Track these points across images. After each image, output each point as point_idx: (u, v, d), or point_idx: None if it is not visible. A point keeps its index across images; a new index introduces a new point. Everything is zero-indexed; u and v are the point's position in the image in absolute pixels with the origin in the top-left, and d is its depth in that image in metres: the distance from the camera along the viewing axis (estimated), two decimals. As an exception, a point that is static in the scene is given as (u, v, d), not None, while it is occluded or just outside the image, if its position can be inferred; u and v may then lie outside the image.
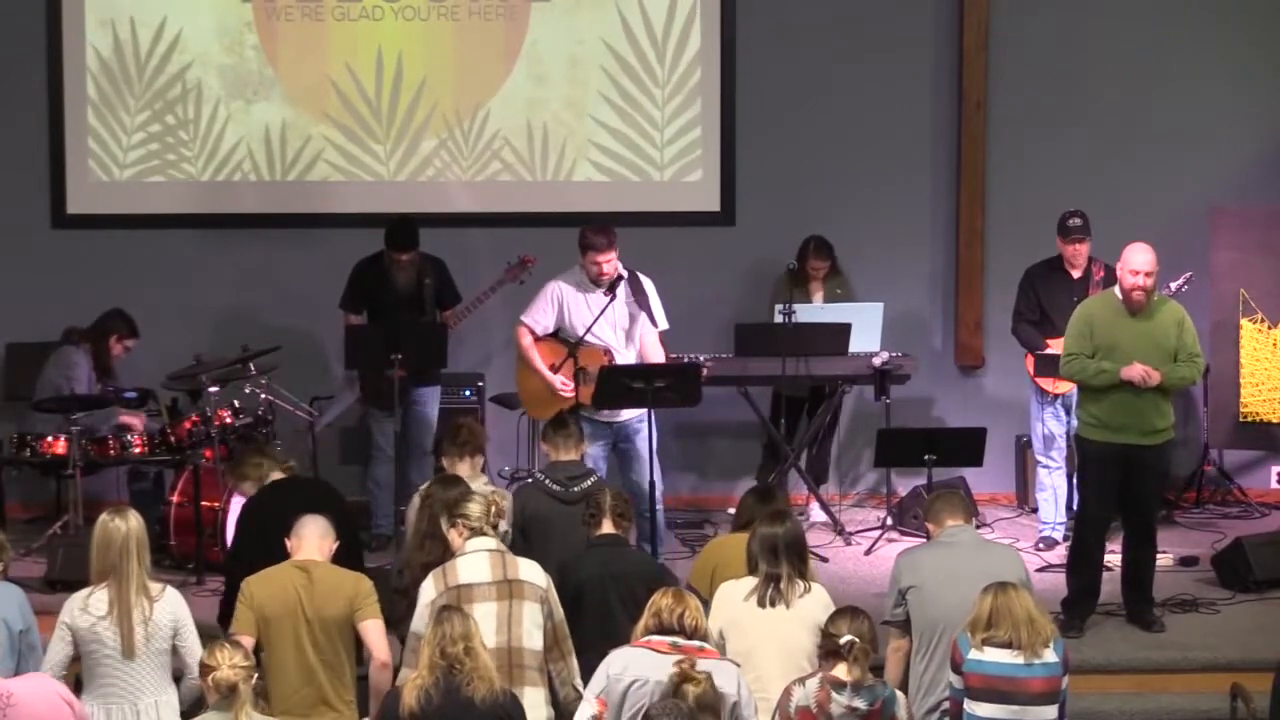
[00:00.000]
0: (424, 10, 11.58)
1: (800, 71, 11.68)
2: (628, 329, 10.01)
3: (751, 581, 7.27)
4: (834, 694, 6.58)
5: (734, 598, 7.26)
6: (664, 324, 10.12)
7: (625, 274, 9.94)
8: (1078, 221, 10.37)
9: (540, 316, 9.96)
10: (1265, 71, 11.67)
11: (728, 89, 11.67)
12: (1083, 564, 9.19)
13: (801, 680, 6.71)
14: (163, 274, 11.55)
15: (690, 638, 6.78)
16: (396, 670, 7.75)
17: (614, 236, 9.85)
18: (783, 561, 7.25)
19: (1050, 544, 10.51)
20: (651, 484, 9.75)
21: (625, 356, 9.96)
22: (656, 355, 10.01)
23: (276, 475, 8.34)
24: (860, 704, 6.58)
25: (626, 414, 9.76)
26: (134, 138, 11.60)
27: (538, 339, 9.98)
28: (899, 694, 6.83)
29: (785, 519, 7.45)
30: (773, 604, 7.18)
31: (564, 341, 9.96)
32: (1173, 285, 9.92)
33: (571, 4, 11.61)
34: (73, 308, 10.77)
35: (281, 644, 7.25)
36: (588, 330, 9.85)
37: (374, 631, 7.39)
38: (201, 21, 11.55)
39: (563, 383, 9.87)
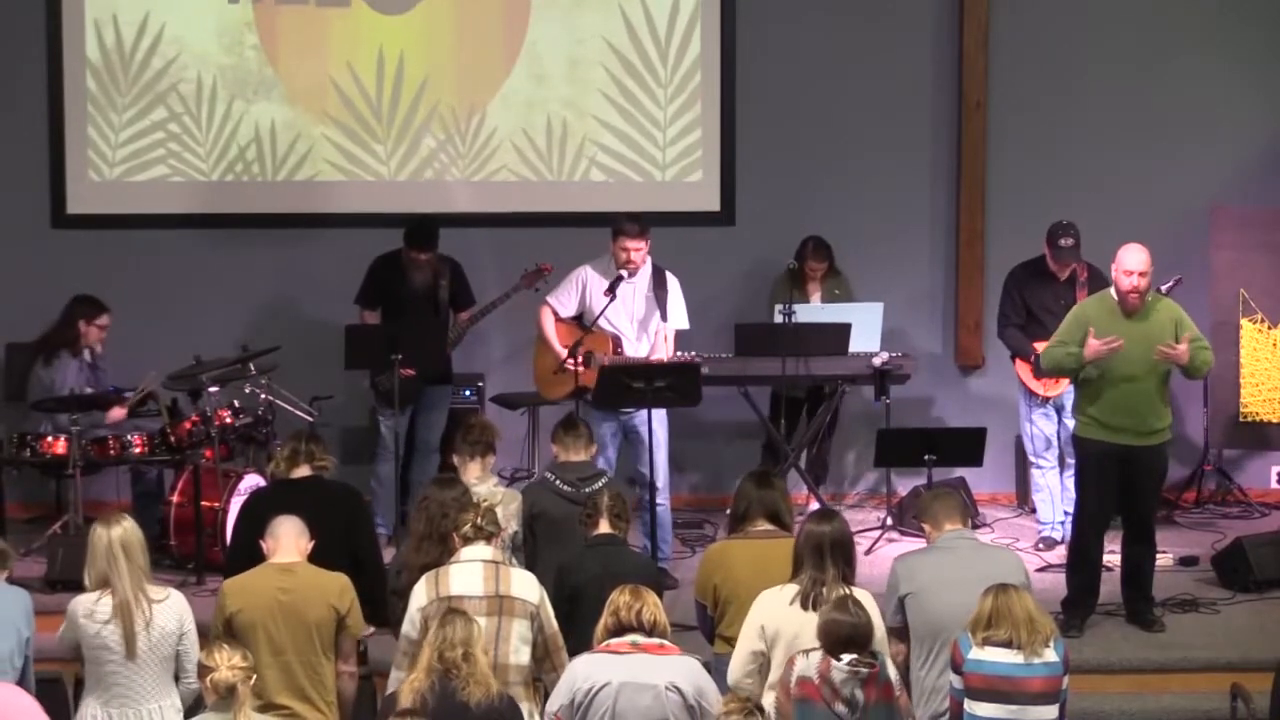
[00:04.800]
0: (424, 10, 11.58)
1: (800, 71, 11.69)
2: (643, 320, 10.11)
3: (793, 588, 7.21)
4: (834, 663, 6.61)
5: (778, 604, 7.19)
6: (683, 323, 10.27)
7: (631, 271, 10.08)
8: (1069, 243, 10.31)
9: (564, 298, 10.21)
10: (1265, 71, 11.67)
11: (727, 89, 11.68)
12: (1082, 563, 9.19)
13: (806, 652, 6.74)
14: (163, 274, 11.56)
15: (650, 634, 6.80)
16: (367, 678, 7.77)
17: (647, 228, 10.06)
18: (828, 563, 7.16)
19: (1050, 544, 10.51)
20: (651, 483, 9.79)
21: (636, 347, 10.10)
22: (661, 352, 10.12)
23: (302, 472, 8.27)
24: (861, 669, 6.63)
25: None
26: (131, 136, 11.60)
27: (559, 320, 10.18)
28: (886, 656, 6.86)
29: (833, 518, 7.38)
30: (815, 606, 7.09)
31: (581, 326, 10.12)
32: (1162, 289, 9.94)
33: (572, 4, 11.61)
34: (73, 308, 10.77)
35: (261, 645, 7.23)
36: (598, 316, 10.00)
37: (350, 643, 7.45)
38: (201, 21, 11.56)
39: (569, 359, 9.95)
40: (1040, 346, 9.99)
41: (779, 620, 7.14)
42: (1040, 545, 10.55)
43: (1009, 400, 11.45)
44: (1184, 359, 8.94)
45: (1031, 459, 10.66)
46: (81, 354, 10.54)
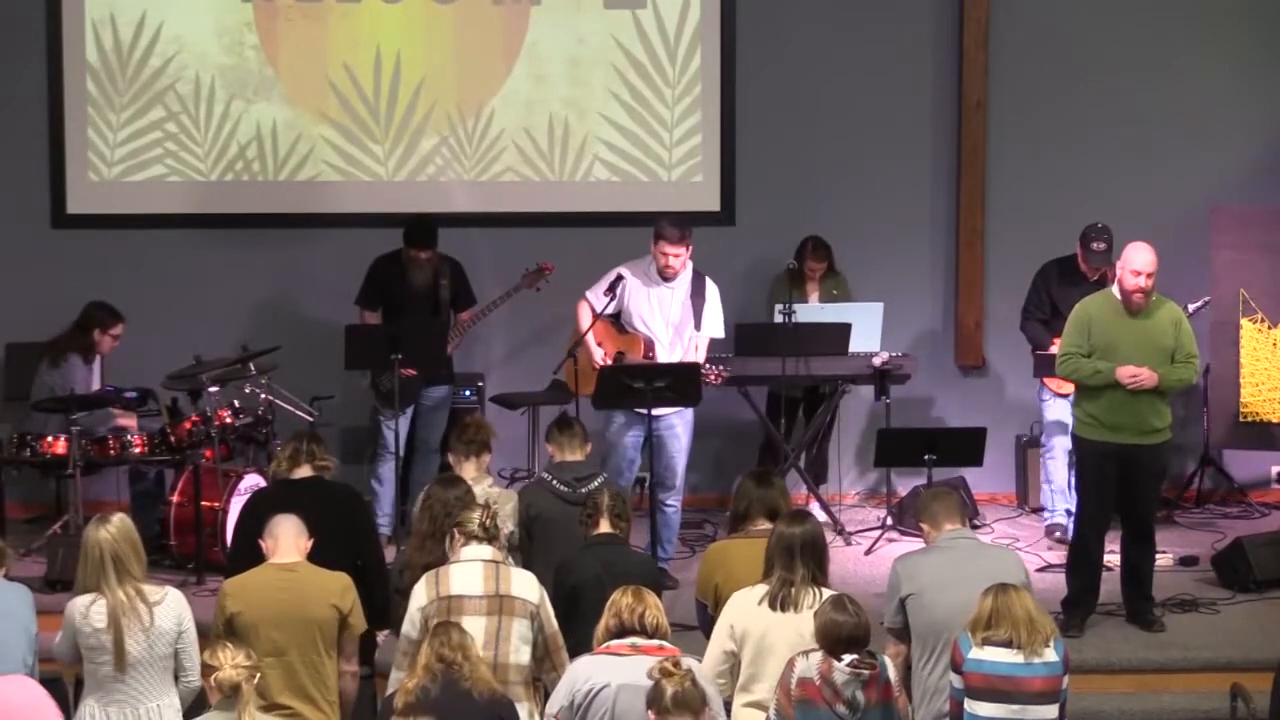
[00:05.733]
0: (424, 10, 11.59)
1: (800, 71, 11.69)
2: (679, 326, 10.05)
3: (763, 588, 7.21)
4: (835, 664, 6.62)
5: (747, 603, 7.20)
6: (718, 332, 10.17)
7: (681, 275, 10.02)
8: (1102, 247, 10.27)
9: (602, 295, 10.04)
10: (1266, 71, 11.68)
11: (727, 89, 11.68)
12: (1082, 563, 9.18)
13: (805, 653, 6.73)
14: (163, 274, 11.56)
15: (651, 636, 6.79)
16: (369, 678, 7.75)
17: (687, 233, 9.90)
18: (798, 564, 7.16)
19: (1054, 530, 10.40)
20: (652, 484, 9.79)
21: (669, 352, 10.02)
22: (692, 357, 10.06)
23: (304, 472, 8.22)
24: (863, 670, 6.63)
25: (657, 410, 9.74)
26: (132, 137, 11.60)
27: (595, 316, 10.04)
28: (884, 657, 6.86)
29: (804, 519, 7.37)
30: (784, 607, 7.12)
31: (617, 326, 10.06)
32: (1191, 307, 9.93)
33: (572, 4, 11.61)
34: (73, 308, 10.73)
35: (262, 645, 7.19)
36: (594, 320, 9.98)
37: (352, 642, 7.45)
38: (201, 21, 11.56)
39: (604, 356, 9.95)
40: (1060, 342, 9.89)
41: (747, 619, 7.15)
42: (1058, 535, 10.37)
43: (1009, 400, 11.47)
44: (1152, 383, 8.93)
45: (1043, 447, 10.56)
46: (93, 362, 10.55)
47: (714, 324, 10.13)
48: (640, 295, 10.01)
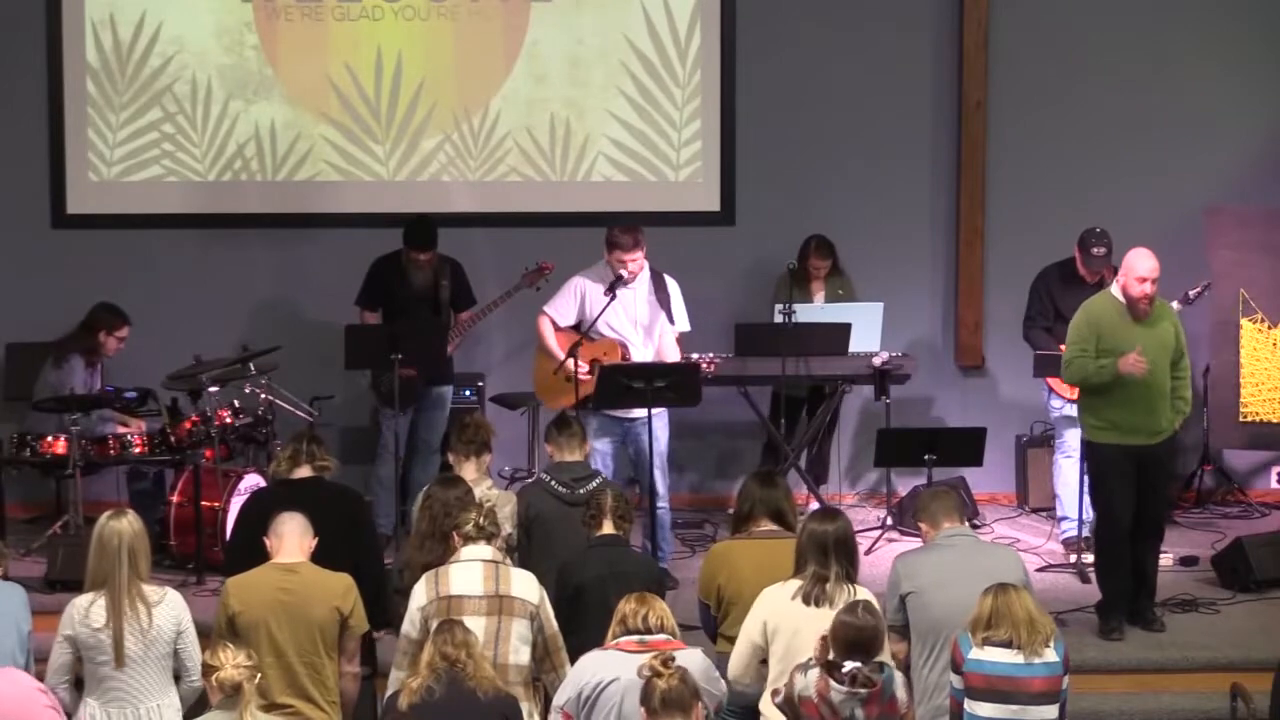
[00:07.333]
0: (424, 10, 11.59)
1: (800, 71, 11.69)
2: (647, 326, 10.07)
3: (795, 584, 7.22)
4: (833, 683, 6.59)
5: (780, 599, 7.21)
6: (685, 325, 10.20)
7: (646, 273, 10.06)
8: (1101, 252, 10.23)
9: (562, 308, 10.10)
10: (1265, 71, 11.68)
11: (727, 89, 11.68)
12: (1117, 566, 9.13)
13: (803, 668, 6.71)
14: (163, 274, 11.56)
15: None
16: (369, 678, 7.75)
17: (640, 236, 9.96)
18: (832, 561, 7.17)
19: (1072, 544, 10.29)
20: (652, 486, 9.79)
21: (642, 352, 10.05)
22: (671, 355, 10.09)
23: (304, 472, 8.20)
24: (860, 690, 6.60)
25: (637, 412, 9.77)
26: (132, 137, 11.60)
27: (558, 329, 10.09)
28: (897, 673, 6.82)
29: (836, 517, 7.38)
30: (817, 603, 7.11)
31: (582, 334, 10.06)
32: (1191, 294, 9.88)
33: (572, 3, 11.61)
34: (73, 308, 10.76)
35: (263, 645, 7.21)
36: (591, 324, 9.97)
37: (354, 643, 7.44)
38: (201, 21, 11.56)
39: (584, 371, 9.95)
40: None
41: (780, 615, 7.15)
42: (1083, 545, 10.10)
43: (1009, 400, 11.46)
44: (1143, 369, 8.92)
45: (1057, 447, 10.54)
46: (97, 364, 10.55)
47: (682, 318, 10.19)
48: (601, 302, 10.01)
